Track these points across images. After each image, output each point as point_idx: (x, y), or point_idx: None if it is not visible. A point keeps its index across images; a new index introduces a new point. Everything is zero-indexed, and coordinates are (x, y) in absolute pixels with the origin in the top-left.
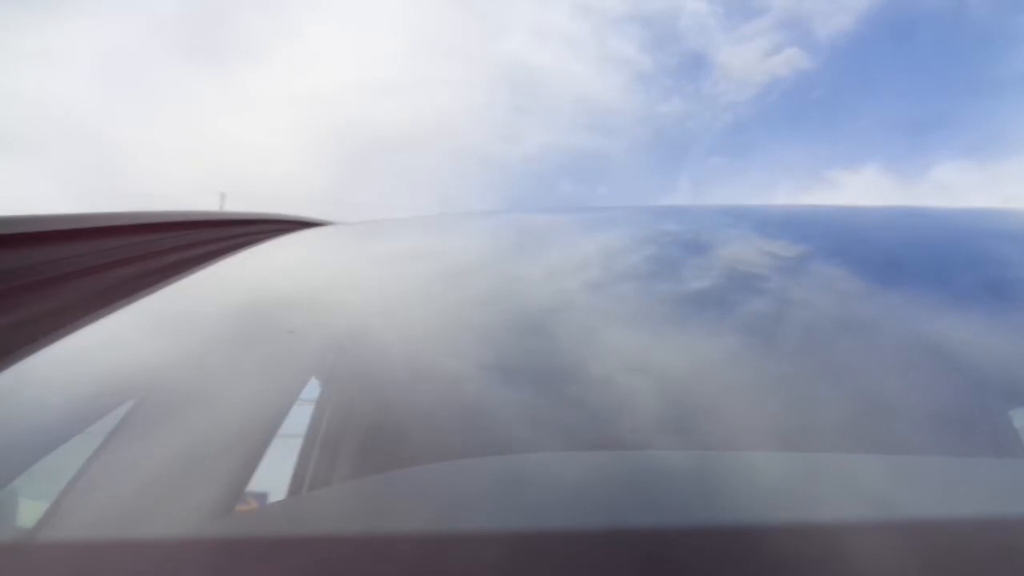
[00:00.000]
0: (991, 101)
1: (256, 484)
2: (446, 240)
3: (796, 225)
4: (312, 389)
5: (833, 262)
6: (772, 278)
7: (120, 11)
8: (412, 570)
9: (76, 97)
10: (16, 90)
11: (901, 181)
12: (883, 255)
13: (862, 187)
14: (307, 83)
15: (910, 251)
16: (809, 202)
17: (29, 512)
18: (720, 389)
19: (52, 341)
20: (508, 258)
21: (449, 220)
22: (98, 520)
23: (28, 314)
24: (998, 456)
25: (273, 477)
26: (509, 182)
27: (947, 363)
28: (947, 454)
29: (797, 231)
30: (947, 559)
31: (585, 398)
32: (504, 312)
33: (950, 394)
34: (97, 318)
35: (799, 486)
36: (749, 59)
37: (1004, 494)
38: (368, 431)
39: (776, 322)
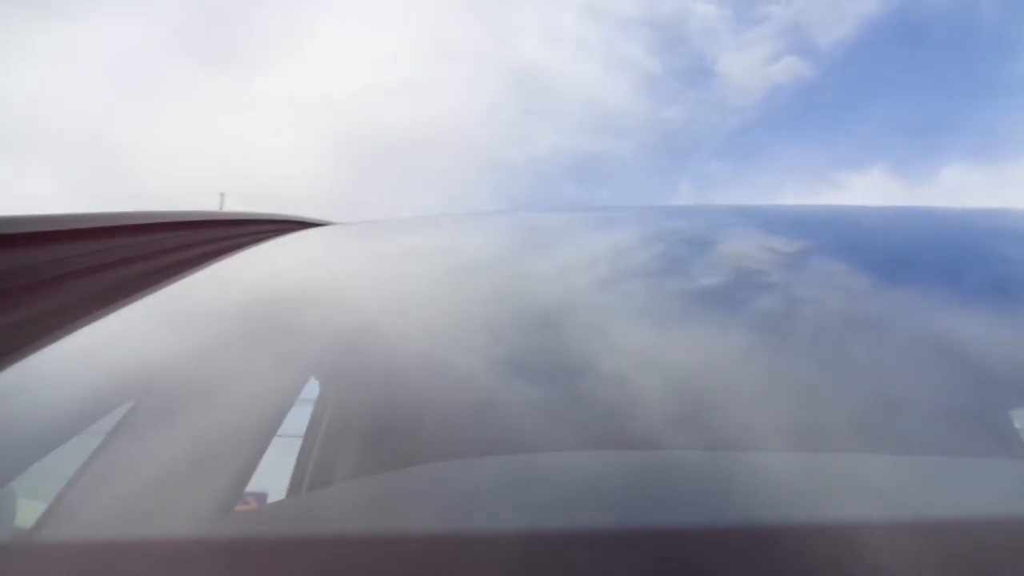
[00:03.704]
0: (999, 103)
1: (257, 484)
2: (447, 239)
3: (805, 224)
4: (313, 389)
5: (843, 261)
6: (781, 277)
7: (124, 11)
8: (415, 570)
9: (77, 97)
10: (16, 90)
11: (908, 183)
12: (892, 255)
13: (869, 189)
14: (312, 84)
15: (919, 251)
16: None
17: (29, 512)
18: (730, 388)
19: (52, 341)
20: (510, 257)
21: (450, 220)
22: (98, 520)
23: (28, 314)
24: (1010, 456)
25: (274, 477)
26: (512, 184)
27: (956, 362)
28: (956, 454)
29: (806, 230)
30: (957, 558)
31: (589, 397)
32: (506, 311)
33: (959, 393)
34: (97, 318)
35: (809, 485)
36: (753, 64)
37: (1014, 494)
38: (368, 431)
39: (786, 321)
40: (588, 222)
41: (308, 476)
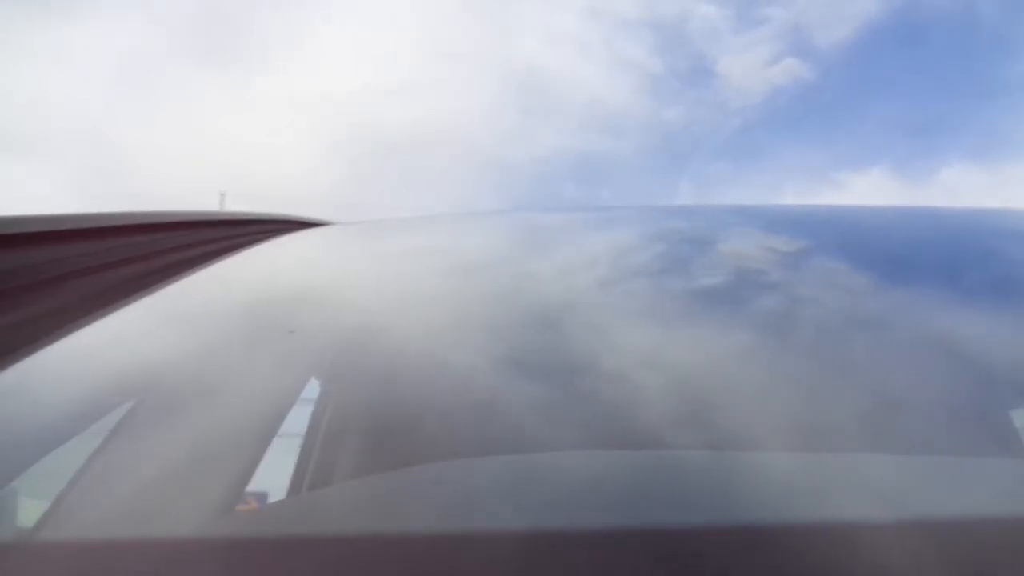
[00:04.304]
0: (1000, 103)
1: (258, 484)
2: (447, 240)
3: (806, 224)
4: (313, 389)
5: (844, 261)
6: (782, 277)
7: (123, 11)
8: (416, 570)
9: (76, 97)
10: (16, 90)
11: (908, 183)
12: (894, 255)
13: (869, 189)
14: (313, 84)
15: (920, 251)
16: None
17: (29, 512)
18: (731, 388)
19: (52, 341)
20: (510, 257)
21: (450, 220)
22: (98, 520)
23: (28, 314)
24: (1011, 456)
25: (275, 477)
26: (513, 184)
27: (957, 362)
28: (959, 454)
29: (807, 230)
30: (958, 558)
31: (590, 397)
32: (506, 311)
33: (961, 393)
34: (97, 318)
35: (811, 485)
36: (753, 65)
37: (1015, 494)
38: (369, 431)
39: (787, 321)
40: (589, 222)
41: (308, 476)
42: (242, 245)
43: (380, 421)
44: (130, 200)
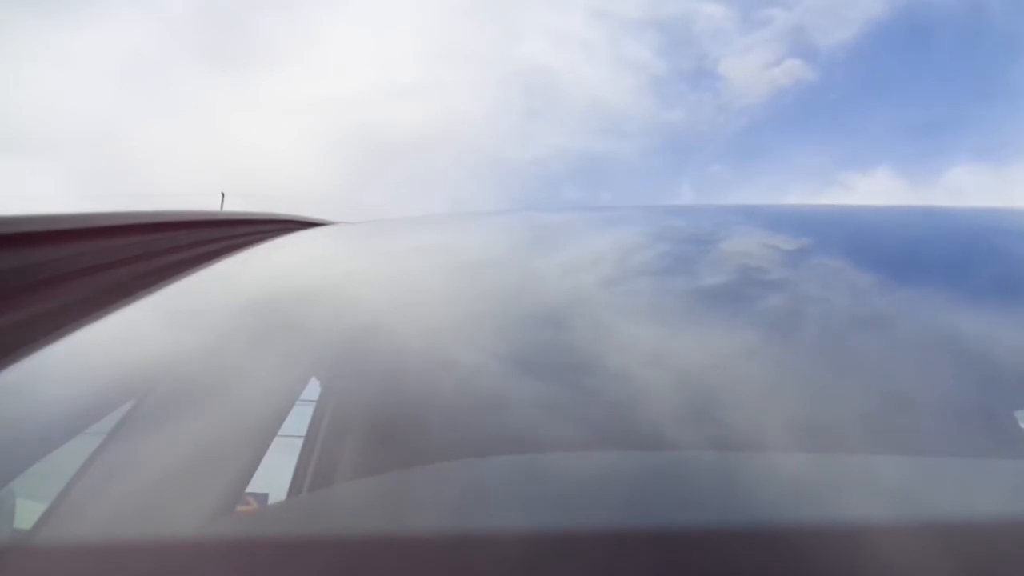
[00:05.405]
0: (1007, 103)
1: (258, 485)
2: (449, 239)
3: (810, 223)
4: (314, 389)
5: (848, 260)
6: (787, 276)
7: (127, 11)
8: (418, 572)
9: (77, 97)
10: (17, 90)
11: (914, 184)
12: (898, 254)
13: (874, 190)
14: (317, 85)
15: (925, 250)
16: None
17: (29, 512)
18: (736, 387)
19: (52, 341)
20: (512, 256)
21: (452, 219)
22: (98, 520)
23: (28, 314)
24: (1018, 457)
25: (275, 477)
26: (515, 185)
27: (964, 362)
28: (968, 455)
29: (811, 229)
30: (968, 560)
31: (594, 397)
32: (509, 310)
33: (967, 393)
34: (97, 318)
35: (817, 485)
36: (756, 66)
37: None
38: (370, 432)
39: (791, 320)
40: (592, 222)
41: (309, 476)
42: (242, 245)
43: (381, 421)
44: (130, 200)
